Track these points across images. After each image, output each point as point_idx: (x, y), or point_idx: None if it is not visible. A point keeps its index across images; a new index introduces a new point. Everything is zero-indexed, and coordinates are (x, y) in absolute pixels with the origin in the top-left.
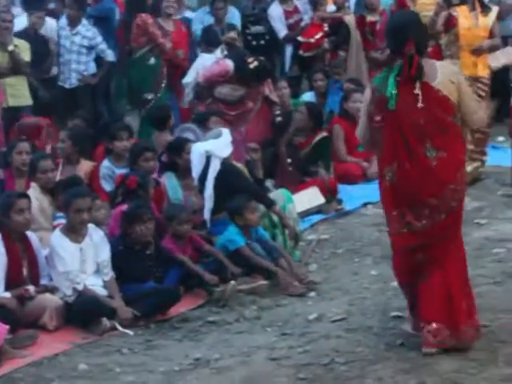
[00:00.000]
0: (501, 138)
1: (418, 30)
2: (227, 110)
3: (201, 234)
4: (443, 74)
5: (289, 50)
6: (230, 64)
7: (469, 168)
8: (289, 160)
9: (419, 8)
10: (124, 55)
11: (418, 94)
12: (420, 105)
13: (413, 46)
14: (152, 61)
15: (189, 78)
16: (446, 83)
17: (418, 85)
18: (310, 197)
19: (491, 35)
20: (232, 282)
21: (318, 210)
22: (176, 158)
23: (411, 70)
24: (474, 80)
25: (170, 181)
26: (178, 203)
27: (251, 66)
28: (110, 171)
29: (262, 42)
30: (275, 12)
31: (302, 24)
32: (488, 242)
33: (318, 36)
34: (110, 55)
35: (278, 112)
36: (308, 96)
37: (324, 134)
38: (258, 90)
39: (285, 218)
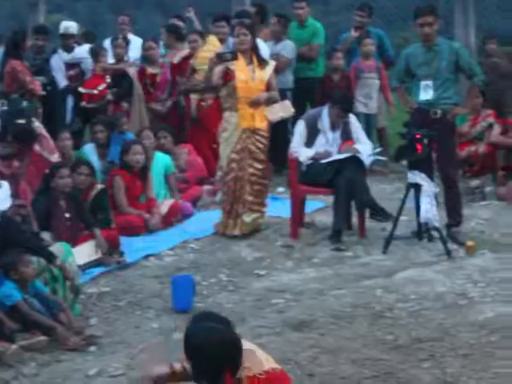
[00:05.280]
0: (280, 189)
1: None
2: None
3: None
4: None
5: (70, 102)
6: None
7: (248, 219)
8: (67, 214)
9: (199, 61)
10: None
11: None
12: None
13: None
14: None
15: None
16: None
17: None
18: (89, 249)
19: (269, 88)
20: (13, 346)
21: (98, 263)
22: None
23: None
24: (252, 132)
25: None
26: None
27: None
28: None
29: (44, 92)
30: (56, 63)
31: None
32: (268, 293)
33: (100, 87)
34: None
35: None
36: (88, 148)
37: (100, 186)
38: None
39: (66, 271)
